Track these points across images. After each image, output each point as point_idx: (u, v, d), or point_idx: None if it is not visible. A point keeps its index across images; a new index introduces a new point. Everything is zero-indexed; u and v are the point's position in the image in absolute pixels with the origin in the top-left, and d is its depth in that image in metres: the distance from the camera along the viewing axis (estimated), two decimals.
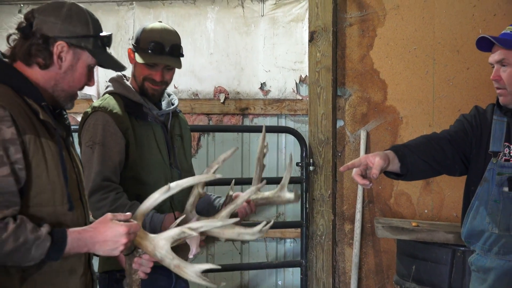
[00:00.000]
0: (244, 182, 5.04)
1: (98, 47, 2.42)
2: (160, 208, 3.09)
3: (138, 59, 3.21)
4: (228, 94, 5.32)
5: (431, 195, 4.94)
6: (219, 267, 2.38)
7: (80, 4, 2.48)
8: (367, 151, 5.02)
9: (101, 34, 2.44)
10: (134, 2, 5.45)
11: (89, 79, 2.44)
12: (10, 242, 2.10)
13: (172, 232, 2.33)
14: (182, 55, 3.30)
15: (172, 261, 2.32)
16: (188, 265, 2.31)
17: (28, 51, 2.32)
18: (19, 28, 2.34)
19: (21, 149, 2.19)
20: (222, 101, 5.29)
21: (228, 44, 5.33)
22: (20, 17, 2.43)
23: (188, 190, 3.43)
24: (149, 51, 3.20)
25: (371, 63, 5.04)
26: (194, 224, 2.34)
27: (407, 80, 4.98)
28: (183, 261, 2.32)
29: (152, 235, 2.37)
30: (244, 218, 3.10)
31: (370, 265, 5.07)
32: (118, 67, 2.52)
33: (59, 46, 2.32)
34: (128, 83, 3.30)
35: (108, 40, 2.45)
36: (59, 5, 2.37)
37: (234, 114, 5.31)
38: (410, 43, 4.96)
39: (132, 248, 2.41)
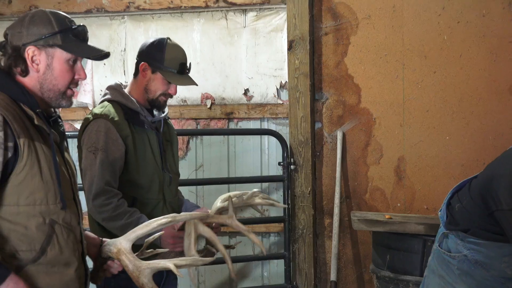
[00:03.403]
0: (231, 181, 5.13)
1: (70, 41, 2.36)
2: (153, 210, 3.20)
3: (169, 79, 3.23)
4: (214, 100, 5.30)
5: (403, 190, 4.97)
6: None
7: (74, 18, 2.45)
8: (344, 150, 5.03)
9: (70, 27, 2.38)
10: (125, 16, 5.42)
11: (77, 73, 2.40)
12: None
13: (158, 265, 2.39)
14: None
15: None
16: None
17: (9, 65, 2.32)
18: (1, 49, 2.36)
19: (2, 154, 2.17)
20: (208, 106, 5.28)
21: (213, 54, 5.32)
22: None
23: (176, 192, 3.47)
24: (177, 72, 3.25)
25: (345, 69, 5.04)
26: (178, 262, 2.40)
27: (379, 84, 4.99)
28: None
29: (139, 263, 2.41)
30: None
31: (348, 256, 5.09)
32: (100, 55, 2.45)
33: (29, 51, 2.30)
34: (126, 91, 3.28)
35: (79, 32, 2.39)
36: (24, 15, 2.36)
37: (220, 118, 5.29)
38: (381, 50, 4.97)
39: (112, 259, 2.50)
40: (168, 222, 2.44)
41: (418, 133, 4.92)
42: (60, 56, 2.34)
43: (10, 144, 2.19)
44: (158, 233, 2.51)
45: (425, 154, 4.91)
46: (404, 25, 4.92)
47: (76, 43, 2.37)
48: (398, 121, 4.94)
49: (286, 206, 4.90)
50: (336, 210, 4.94)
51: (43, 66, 2.33)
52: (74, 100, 2.44)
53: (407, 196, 4.96)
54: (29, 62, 2.32)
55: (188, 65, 3.32)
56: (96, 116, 3.13)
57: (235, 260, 5.16)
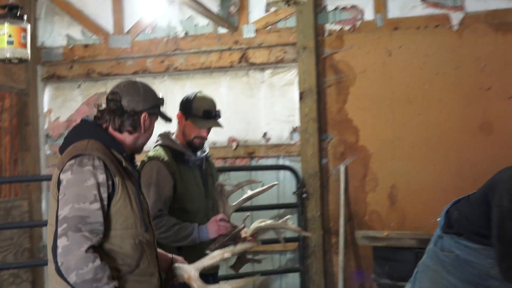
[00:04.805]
0: (253, 208, 5.14)
1: (159, 108, 2.67)
2: (203, 223, 3.42)
3: (196, 124, 3.42)
4: (238, 142, 5.50)
5: (395, 212, 5.17)
6: None
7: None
8: (346, 181, 5.21)
9: (160, 98, 2.69)
10: (165, 76, 5.68)
11: None
12: (89, 273, 2.30)
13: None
14: (220, 117, 3.56)
15: None
16: None
17: (122, 123, 2.57)
18: (114, 110, 2.56)
19: (107, 191, 2.40)
20: (234, 148, 5.51)
21: (237, 104, 5.53)
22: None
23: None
24: (202, 118, 3.44)
25: (346, 114, 5.27)
26: (235, 285, 2.53)
27: (374, 125, 5.21)
28: None
29: (206, 287, 2.56)
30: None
31: (352, 268, 5.25)
32: (169, 119, 2.71)
33: (144, 116, 2.58)
34: (173, 137, 3.52)
35: (163, 102, 2.71)
36: (135, 85, 2.61)
37: (244, 157, 5.50)
38: (374, 98, 5.21)
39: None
40: (229, 256, 2.64)
41: (407, 165, 5.13)
42: (155, 120, 2.67)
43: (110, 183, 2.43)
44: (220, 258, 2.67)
45: (413, 182, 5.12)
46: (393, 77, 5.18)
47: (161, 111, 2.70)
48: (390, 155, 5.18)
49: (310, 234, 4.88)
50: (341, 230, 5.15)
51: (147, 127, 2.61)
52: None
53: (399, 217, 5.16)
54: (142, 124, 2.58)
55: (213, 112, 3.44)
56: (149, 159, 3.40)
57: (257, 274, 5.11)
